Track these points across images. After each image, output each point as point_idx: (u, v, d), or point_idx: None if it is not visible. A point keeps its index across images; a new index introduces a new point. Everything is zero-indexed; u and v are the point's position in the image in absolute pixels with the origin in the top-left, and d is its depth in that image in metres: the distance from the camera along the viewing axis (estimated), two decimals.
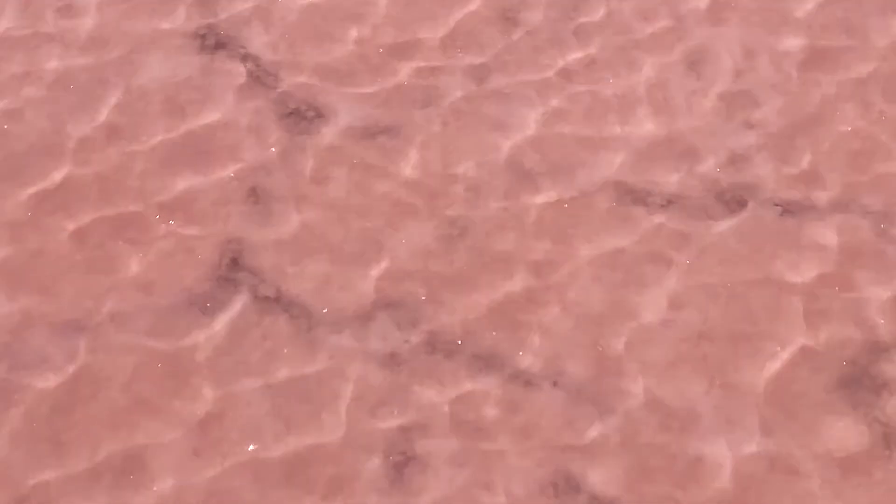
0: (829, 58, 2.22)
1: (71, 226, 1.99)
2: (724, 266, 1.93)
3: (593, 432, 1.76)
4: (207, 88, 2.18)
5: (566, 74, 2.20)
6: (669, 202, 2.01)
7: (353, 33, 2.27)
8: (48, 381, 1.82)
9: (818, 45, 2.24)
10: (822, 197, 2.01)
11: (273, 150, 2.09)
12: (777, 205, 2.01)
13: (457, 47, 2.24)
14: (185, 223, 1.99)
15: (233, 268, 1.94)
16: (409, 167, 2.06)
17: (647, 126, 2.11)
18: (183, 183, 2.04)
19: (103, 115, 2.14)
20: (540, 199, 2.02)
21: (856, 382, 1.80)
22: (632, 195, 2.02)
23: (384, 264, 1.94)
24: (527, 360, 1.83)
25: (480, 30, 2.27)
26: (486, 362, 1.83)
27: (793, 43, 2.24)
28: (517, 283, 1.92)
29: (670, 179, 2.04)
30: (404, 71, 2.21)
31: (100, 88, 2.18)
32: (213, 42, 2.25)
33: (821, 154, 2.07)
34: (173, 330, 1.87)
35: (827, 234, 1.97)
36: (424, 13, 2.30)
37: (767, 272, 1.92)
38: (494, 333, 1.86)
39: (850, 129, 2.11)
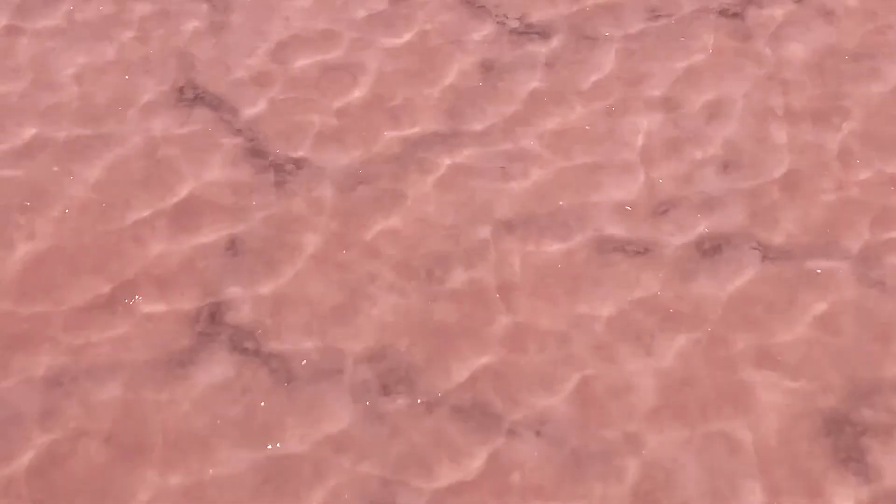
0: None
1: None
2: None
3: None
4: (187, 142, 2.19)
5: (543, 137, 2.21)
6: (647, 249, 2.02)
7: (338, 95, 2.28)
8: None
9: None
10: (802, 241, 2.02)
11: (254, 203, 2.09)
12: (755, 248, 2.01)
13: (446, 110, 2.25)
14: (164, 278, 1.99)
15: (211, 322, 1.94)
16: (391, 220, 2.07)
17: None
18: (161, 236, 2.04)
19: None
20: (522, 247, 2.02)
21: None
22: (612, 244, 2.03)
23: (363, 316, 1.94)
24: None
25: (471, 97, 2.29)
26: (468, 414, 1.83)
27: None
28: (499, 327, 1.92)
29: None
30: (389, 134, 2.22)
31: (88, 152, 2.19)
32: (192, 96, 2.26)
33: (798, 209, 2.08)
34: (151, 385, 1.86)
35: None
36: (413, 76, 2.32)
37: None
38: (478, 389, 1.85)
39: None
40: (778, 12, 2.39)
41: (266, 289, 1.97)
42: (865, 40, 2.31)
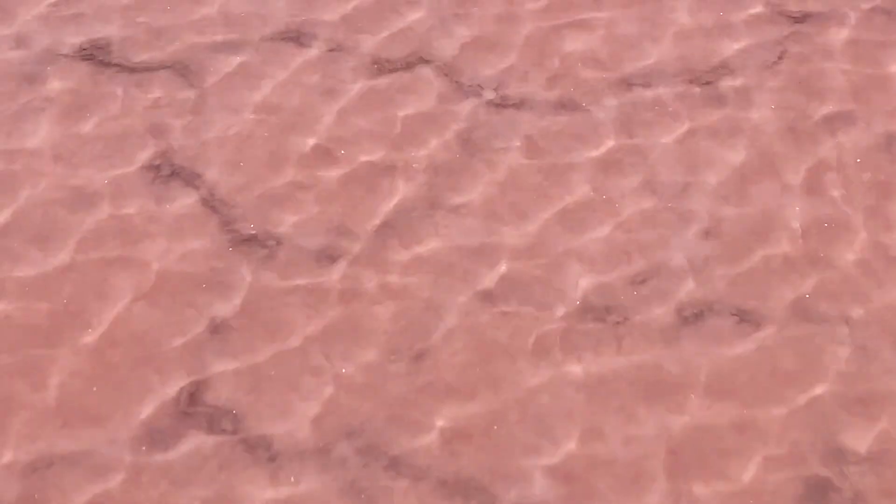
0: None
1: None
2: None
3: None
4: (161, 217, 2.18)
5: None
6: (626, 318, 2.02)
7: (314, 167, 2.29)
8: None
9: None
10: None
11: (231, 278, 2.08)
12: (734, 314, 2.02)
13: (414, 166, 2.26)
14: (144, 357, 1.97)
15: (191, 401, 1.92)
16: (368, 291, 2.06)
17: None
18: (139, 314, 2.03)
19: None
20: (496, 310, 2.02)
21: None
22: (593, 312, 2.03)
23: (342, 390, 1.92)
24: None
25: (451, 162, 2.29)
26: (453, 489, 1.81)
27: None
28: (478, 405, 1.90)
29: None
30: (370, 206, 2.22)
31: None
32: (169, 171, 2.26)
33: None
34: (127, 463, 1.84)
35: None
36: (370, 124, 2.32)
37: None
38: (463, 459, 1.84)
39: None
40: (750, 82, 2.41)
41: (245, 364, 1.96)
42: None
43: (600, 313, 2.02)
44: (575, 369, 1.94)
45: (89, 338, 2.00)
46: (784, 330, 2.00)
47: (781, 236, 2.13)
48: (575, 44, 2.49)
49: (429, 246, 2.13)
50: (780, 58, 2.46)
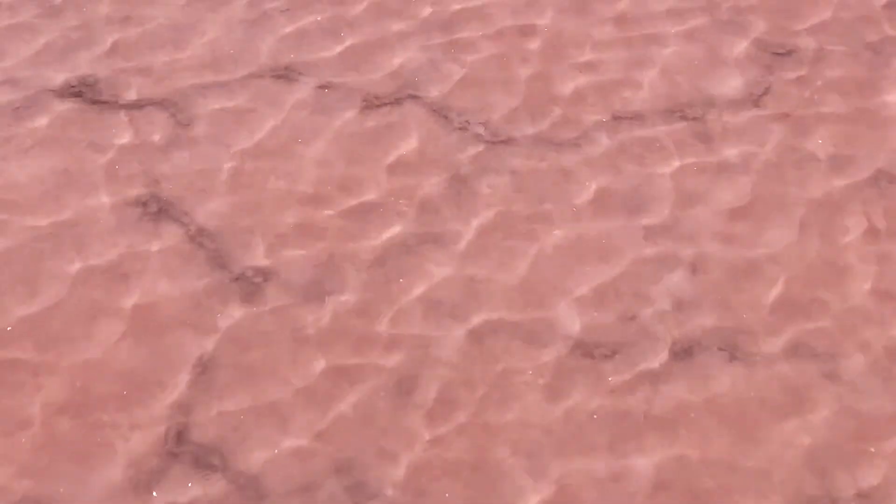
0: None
1: None
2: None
3: None
4: (148, 254, 2.17)
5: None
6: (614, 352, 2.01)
7: (299, 207, 2.29)
8: None
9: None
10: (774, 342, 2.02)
11: (219, 316, 2.07)
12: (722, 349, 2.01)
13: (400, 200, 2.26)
14: (130, 396, 1.96)
15: (178, 442, 1.90)
16: (357, 328, 2.05)
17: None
18: (126, 352, 2.02)
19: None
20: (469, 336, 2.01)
21: None
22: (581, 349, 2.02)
23: (331, 427, 1.91)
24: None
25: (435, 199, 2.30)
26: None
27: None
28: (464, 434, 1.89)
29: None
30: (362, 245, 2.21)
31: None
32: (156, 208, 2.25)
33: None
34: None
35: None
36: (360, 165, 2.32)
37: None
38: (448, 495, 1.83)
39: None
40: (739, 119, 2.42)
41: (233, 405, 1.95)
42: None
43: (589, 349, 2.01)
44: (566, 405, 1.94)
45: (75, 375, 1.99)
46: (774, 366, 1.99)
47: (772, 273, 2.13)
48: (564, 81, 2.50)
49: (419, 284, 2.12)
50: (765, 93, 2.47)
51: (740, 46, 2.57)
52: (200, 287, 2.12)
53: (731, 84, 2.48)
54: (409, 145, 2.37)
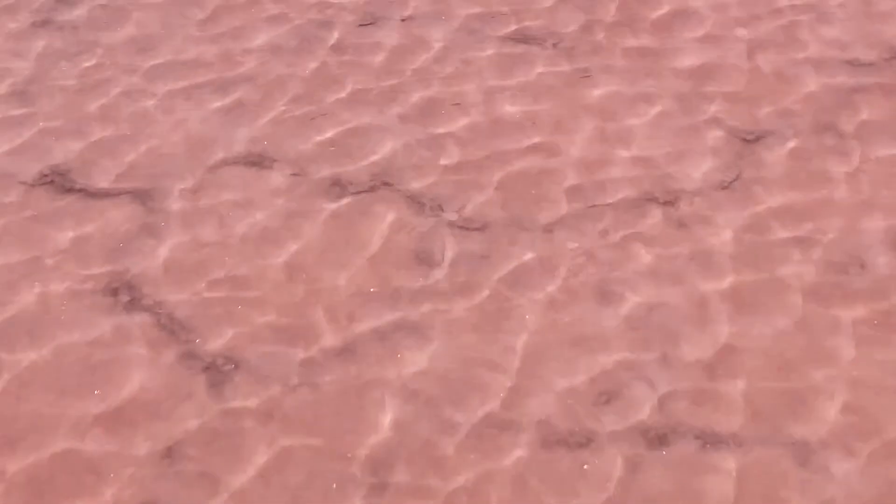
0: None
1: None
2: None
3: None
4: (118, 342, 2.15)
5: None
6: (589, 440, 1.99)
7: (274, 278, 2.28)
8: None
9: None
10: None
11: (187, 407, 2.05)
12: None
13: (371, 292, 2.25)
14: (97, 481, 1.93)
15: None
16: (327, 416, 2.03)
17: None
18: (93, 439, 1.99)
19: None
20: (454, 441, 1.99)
21: None
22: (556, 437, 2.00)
23: None
24: None
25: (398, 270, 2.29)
26: None
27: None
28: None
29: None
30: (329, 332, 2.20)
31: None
32: (128, 297, 2.24)
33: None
34: None
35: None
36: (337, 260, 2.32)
37: None
38: None
39: None
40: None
41: (202, 496, 1.91)
42: None
43: (563, 436, 1.99)
44: (546, 501, 1.91)
45: (39, 461, 1.95)
46: (749, 454, 1.97)
47: (745, 361, 2.12)
48: (534, 164, 2.51)
49: (391, 373, 2.10)
50: (736, 178, 2.49)
51: (711, 131, 2.59)
52: (170, 374, 2.10)
53: (701, 169, 2.49)
54: (381, 230, 2.37)
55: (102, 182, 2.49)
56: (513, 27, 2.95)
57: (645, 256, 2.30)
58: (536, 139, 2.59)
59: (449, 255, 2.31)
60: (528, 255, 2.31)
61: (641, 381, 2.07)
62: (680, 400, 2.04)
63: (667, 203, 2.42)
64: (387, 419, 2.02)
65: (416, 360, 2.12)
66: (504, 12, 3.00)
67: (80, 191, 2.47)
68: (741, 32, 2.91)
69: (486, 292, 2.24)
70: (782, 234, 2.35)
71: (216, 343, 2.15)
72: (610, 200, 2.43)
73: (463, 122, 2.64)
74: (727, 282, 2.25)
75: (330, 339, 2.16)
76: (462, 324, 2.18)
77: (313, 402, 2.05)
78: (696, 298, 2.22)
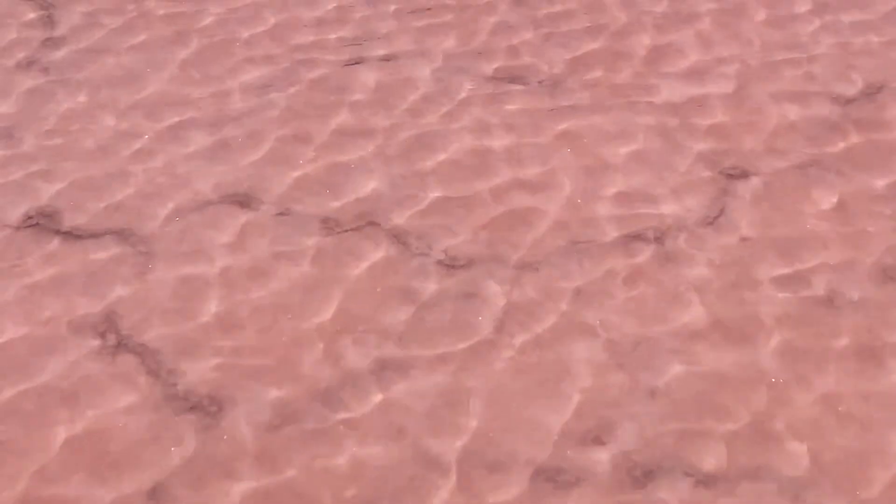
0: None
1: None
2: None
3: None
4: (105, 386, 2.14)
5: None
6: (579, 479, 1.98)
7: (262, 321, 2.27)
8: None
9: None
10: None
11: (173, 449, 2.04)
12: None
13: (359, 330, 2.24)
14: None
15: None
16: (318, 458, 2.02)
17: None
18: (78, 486, 1.98)
19: None
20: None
21: None
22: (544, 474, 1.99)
23: None
24: None
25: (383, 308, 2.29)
26: None
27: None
28: None
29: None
30: (312, 360, 2.20)
31: None
32: (115, 342, 2.23)
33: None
34: None
35: None
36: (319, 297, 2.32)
37: None
38: None
39: None
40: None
41: None
42: None
43: (551, 474, 1.98)
44: None
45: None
46: (737, 489, 1.96)
47: (731, 398, 2.11)
48: (522, 204, 2.51)
49: (375, 410, 2.09)
50: (720, 214, 2.49)
51: (694, 166, 2.60)
52: (156, 417, 2.08)
53: (684, 205, 2.50)
54: (368, 270, 2.36)
55: (86, 222, 2.48)
56: (498, 64, 2.96)
57: (630, 292, 2.30)
58: (521, 176, 2.59)
59: (434, 291, 2.31)
60: (515, 293, 2.31)
61: (630, 413, 2.06)
62: (668, 433, 2.03)
63: (654, 239, 2.43)
64: (366, 458, 2.01)
65: (400, 396, 2.11)
66: (489, 50, 3.01)
67: (66, 233, 2.47)
68: (725, 68, 2.93)
69: (472, 331, 2.24)
70: (766, 268, 2.35)
71: (202, 384, 2.14)
72: (595, 237, 2.43)
73: (447, 158, 2.64)
74: (711, 314, 2.25)
75: (316, 378, 2.15)
76: (449, 361, 2.18)
77: (298, 443, 2.04)
78: (683, 332, 2.22)
